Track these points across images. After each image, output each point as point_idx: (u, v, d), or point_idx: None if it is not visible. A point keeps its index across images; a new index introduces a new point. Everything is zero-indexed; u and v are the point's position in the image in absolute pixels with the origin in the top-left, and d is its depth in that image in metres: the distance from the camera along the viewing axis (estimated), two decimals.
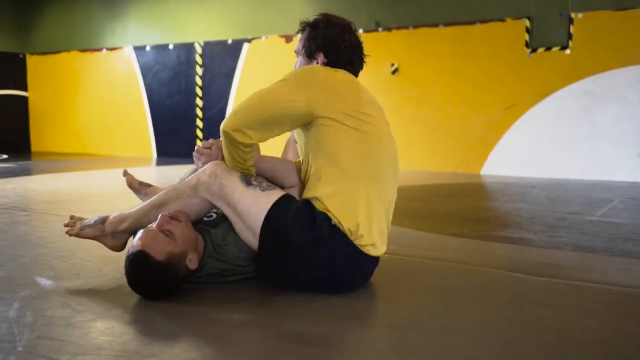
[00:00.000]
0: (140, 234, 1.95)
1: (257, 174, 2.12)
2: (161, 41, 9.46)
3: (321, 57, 2.18)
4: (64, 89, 10.50)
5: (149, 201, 2.16)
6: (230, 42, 8.84)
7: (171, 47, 9.36)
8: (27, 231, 3.20)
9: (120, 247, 2.23)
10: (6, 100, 10.60)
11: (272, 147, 2.87)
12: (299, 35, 2.26)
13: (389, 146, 2.10)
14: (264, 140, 2.04)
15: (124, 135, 9.90)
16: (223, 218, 2.13)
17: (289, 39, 8.11)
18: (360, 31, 7.67)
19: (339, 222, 1.98)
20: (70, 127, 10.51)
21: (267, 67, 8.36)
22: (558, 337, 1.72)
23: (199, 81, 9.18)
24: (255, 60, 8.62)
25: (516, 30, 6.89)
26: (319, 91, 2.00)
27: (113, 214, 2.23)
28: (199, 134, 9.21)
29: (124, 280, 2.18)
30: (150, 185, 2.52)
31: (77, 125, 10.42)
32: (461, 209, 4.33)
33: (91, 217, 2.27)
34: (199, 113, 9.19)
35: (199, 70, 9.15)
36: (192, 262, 1.98)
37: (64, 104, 10.53)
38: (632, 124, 6.35)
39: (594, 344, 1.68)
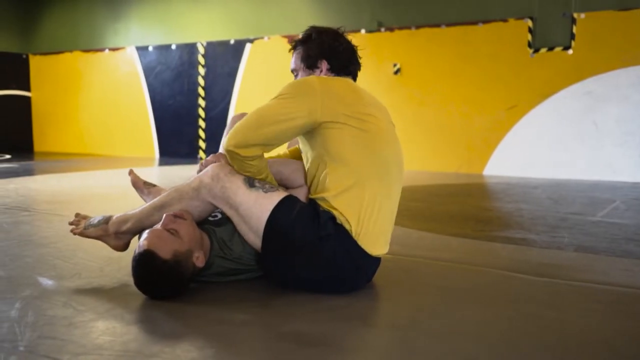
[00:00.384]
0: (145, 233, 1.95)
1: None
2: (163, 41, 9.47)
3: (324, 64, 2.23)
4: (66, 89, 10.51)
5: (151, 202, 2.17)
6: (232, 42, 8.84)
7: (173, 47, 9.37)
8: (29, 231, 3.20)
9: (123, 247, 2.24)
10: (9, 100, 10.62)
11: None
12: (293, 54, 2.32)
13: (393, 146, 2.12)
14: (268, 151, 2.07)
15: (126, 135, 9.91)
16: (227, 219, 2.13)
17: (291, 39, 8.02)
18: (362, 31, 7.68)
19: (345, 220, 1.99)
20: (72, 127, 10.53)
21: (269, 67, 8.37)
22: (559, 337, 1.72)
23: (201, 81, 9.18)
24: (257, 60, 8.62)
25: (518, 30, 6.89)
26: (318, 98, 2.00)
27: (116, 213, 2.23)
28: (201, 133, 9.21)
29: (125, 280, 2.19)
30: (154, 185, 2.53)
31: (80, 125, 10.44)
32: (462, 209, 4.33)
33: (95, 216, 2.27)
34: (201, 113, 9.19)
35: (201, 70, 9.16)
36: (199, 259, 1.98)
37: (66, 104, 10.55)
38: (634, 124, 6.34)
39: (595, 344, 1.68)
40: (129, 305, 1.92)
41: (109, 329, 1.70)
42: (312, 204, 2.06)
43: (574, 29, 6.59)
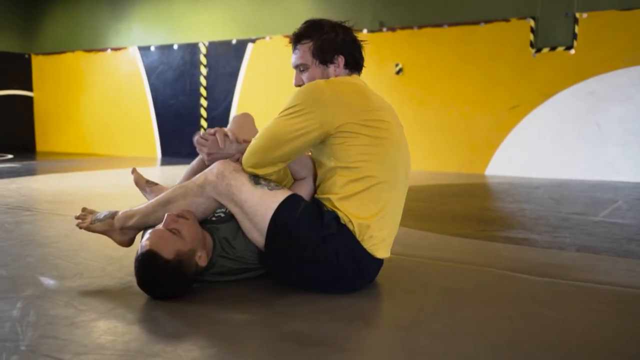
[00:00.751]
0: (147, 234, 1.95)
1: None
2: (165, 41, 9.48)
3: (340, 60, 2.14)
4: (68, 88, 10.53)
5: (156, 198, 2.17)
6: (234, 42, 8.85)
7: (175, 47, 9.38)
8: (31, 230, 3.21)
9: (128, 242, 2.24)
10: (11, 100, 10.63)
11: None
12: (297, 48, 2.16)
13: (402, 149, 2.10)
14: (283, 166, 2.07)
15: (128, 135, 9.92)
16: (230, 217, 2.13)
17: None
18: (364, 31, 7.67)
19: (349, 222, 1.98)
20: (74, 127, 10.54)
21: (271, 67, 8.37)
22: (560, 337, 1.71)
23: (203, 81, 9.19)
24: (259, 60, 8.62)
25: (520, 30, 6.88)
26: (330, 108, 1.96)
27: (122, 209, 2.24)
28: None
29: (127, 279, 2.19)
30: (156, 184, 2.53)
31: (82, 125, 10.45)
32: (464, 209, 4.33)
33: (101, 211, 2.28)
34: (203, 113, 9.20)
35: (203, 70, 9.16)
36: (201, 259, 1.98)
37: (68, 103, 10.56)
38: (636, 124, 6.33)
39: (596, 344, 1.68)
40: (131, 305, 1.92)
41: (110, 329, 1.70)
42: (317, 203, 2.06)
43: (576, 29, 6.58)
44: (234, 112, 8.87)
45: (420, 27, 7.46)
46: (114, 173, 6.65)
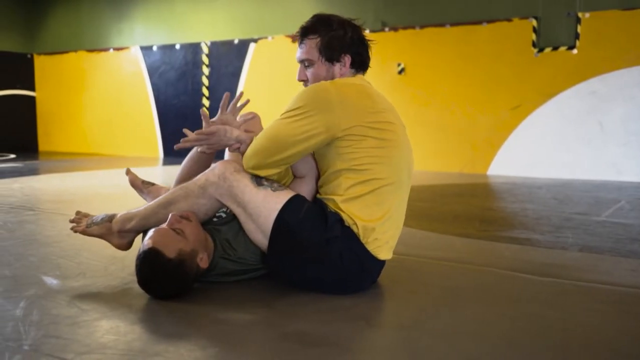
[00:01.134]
0: (150, 232, 1.95)
1: None
2: (168, 41, 9.48)
3: (347, 59, 2.10)
4: (71, 88, 10.54)
5: (156, 200, 2.14)
6: (236, 41, 8.85)
7: (177, 47, 9.38)
8: (33, 230, 3.21)
9: (126, 246, 2.22)
10: (14, 99, 10.65)
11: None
12: (303, 42, 2.12)
13: (406, 150, 2.08)
14: (285, 168, 2.05)
15: (131, 134, 9.93)
16: (232, 217, 2.13)
17: (295, 38, 8.08)
18: (367, 31, 7.64)
19: (354, 224, 1.97)
20: (77, 126, 10.55)
21: (273, 66, 8.37)
22: (562, 337, 1.71)
23: (205, 81, 9.19)
24: (261, 59, 8.62)
25: (523, 29, 6.87)
26: (336, 111, 1.92)
27: (120, 211, 2.23)
28: None
29: (129, 279, 2.19)
30: (152, 184, 2.51)
31: (84, 125, 10.46)
32: (467, 209, 4.33)
33: (98, 214, 2.26)
34: (206, 113, 9.18)
35: (205, 70, 9.17)
36: (203, 260, 1.98)
37: (71, 103, 10.57)
38: (639, 124, 6.32)
39: (598, 344, 1.67)
40: (133, 305, 1.92)
41: (112, 328, 1.70)
42: (320, 204, 2.04)
43: (579, 29, 6.57)
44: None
45: (422, 27, 7.45)
46: (116, 173, 6.66)
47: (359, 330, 1.75)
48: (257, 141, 2.00)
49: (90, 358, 1.49)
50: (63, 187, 5.24)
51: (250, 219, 2.00)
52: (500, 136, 7.05)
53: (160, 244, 1.89)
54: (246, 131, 2.12)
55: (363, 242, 1.99)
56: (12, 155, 9.17)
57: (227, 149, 2.19)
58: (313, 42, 2.10)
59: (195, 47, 9.22)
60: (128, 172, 2.52)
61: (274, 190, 1.99)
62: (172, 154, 9.49)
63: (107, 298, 1.99)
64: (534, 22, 6.80)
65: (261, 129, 2.33)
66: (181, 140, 2.10)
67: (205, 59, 9.15)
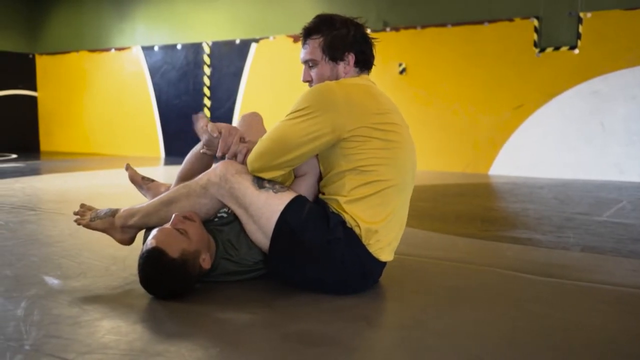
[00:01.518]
0: (154, 232, 1.95)
1: None
2: (169, 41, 9.49)
3: (351, 57, 2.09)
4: (72, 88, 10.55)
5: (158, 197, 2.15)
6: (237, 41, 8.85)
7: (179, 47, 9.39)
8: (35, 230, 3.21)
9: (128, 241, 2.23)
10: (15, 99, 10.66)
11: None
12: (307, 42, 2.12)
13: (410, 151, 2.07)
14: (290, 170, 2.04)
15: (132, 134, 9.94)
16: (234, 217, 2.13)
17: (296, 38, 8.10)
18: (368, 31, 7.65)
19: (356, 225, 1.96)
20: (78, 126, 10.56)
21: (275, 66, 8.37)
22: (564, 337, 1.71)
23: (206, 81, 9.20)
24: (262, 59, 8.63)
25: (524, 29, 6.87)
26: (342, 112, 1.91)
27: (123, 207, 2.23)
28: None
29: (130, 279, 2.19)
30: (152, 180, 2.51)
31: (86, 125, 10.47)
32: (469, 209, 4.32)
33: (101, 208, 2.26)
34: (207, 113, 9.20)
35: (207, 70, 9.17)
36: (205, 261, 1.98)
37: (72, 103, 10.58)
38: None
39: (600, 344, 1.67)
40: (134, 305, 1.92)
41: (114, 328, 1.70)
42: (321, 204, 2.03)
43: (580, 28, 6.56)
44: (237, 112, 8.88)
45: (423, 26, 7.45)
46: (118, 173, 6.66)
47: (360, 330, 1.74)
48: (262, 143, 1.99)
49: (92, 358, 1.49)
50: (65, 187, 5.24)
51: (252, 220, 2.00)
52: (502, 136, 7.04)
53: (164, 243, 1.89)
54: (249, 141, 2.10)
55: (365, 243, 1.98)
56: (14, 155, 9.18)
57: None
58: (316, 42, 2.09)
59: (196, 47, 9.23)
60: (128, 167, 2.52)
61: (275, 192, 1.99)
62: (173, 154, 9.50)
63: (109, 298, 1.99)
64: (536, 22, 6.80)
65: (263, 128, 2.32)
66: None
67: (206, 59, 9.16)
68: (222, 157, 2.17)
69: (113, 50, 10.04)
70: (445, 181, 6.21)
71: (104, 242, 2.72)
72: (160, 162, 8.63)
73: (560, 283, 2.28)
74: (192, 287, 2.02)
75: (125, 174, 2.59)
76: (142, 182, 2.49)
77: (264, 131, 2.24)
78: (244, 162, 2.05)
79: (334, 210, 2.00)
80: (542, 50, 6.78)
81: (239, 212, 2.02)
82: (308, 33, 2.12)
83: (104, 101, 10.21)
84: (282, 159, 1.96)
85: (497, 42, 7.01)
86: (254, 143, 2.05)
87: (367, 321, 1.83)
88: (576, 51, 6.60)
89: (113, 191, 5.00)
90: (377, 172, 1.97)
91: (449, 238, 3.19)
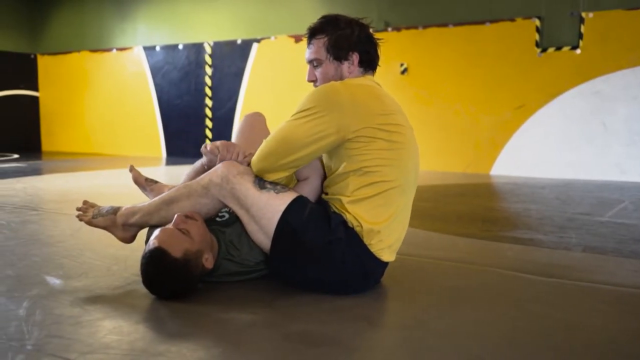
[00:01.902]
0: (156, 232, 1.95)
1: None
2: (170, 41, 9.49)
3: (355, 57, 2.09)
4: (74, 88, 10.56)
5: (159, 197, 2.16)
6: (239, 42, 8.86)
7: (180, 47, 9.39)
8: (36, 230, 3.22)
9: (130, 239, 2.24)
10: (17, 99, 10.67)
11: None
12: (312, 42, 2.13)
13: (414, 152, 2.08)
14: (294, 171, 2.04)
15: (134, 134, 9.95)
16: (235, 219, 2.13)
17: (298, 38, 8.11)
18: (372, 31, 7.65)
19: (358, 225, 1.96)
20: (80, 126, 10.57)
21: (276, 66, 8.37)
22: (565, 338, 1.71)
23: (208, 81, 9.20)
24: (264, 60, 8.63)
25: (526, 29, 6.86)
26: (347, 112, 1.91)
27: (125, 205, 2.24)
28: (208, 133, 9.23)
29: (132, 279, 2.20)
30: (156, 182, 2.52)
31: (87, 125, 10.48)
32: (470, 209, 4.32)
33: (104, 206, 2.27)
34: (208, 113, 9.21)
35: (208, 70, 9.18)
36: (208, 261, 1.98)
37: (74, 103, 10.59)
38: None
39: (601, 344, 1.67)
40: (136, 305, 1.92)
41: (115, 328, 1.71)
42: (323, 204, 2.04)
43: (582, 28, 6.56)
44: (239, 112, 8.88)
45: (425, 26, 7.45)
46: (119, 173, 6.67)
47: (361, 330, 1.75)
48: (267, 144, 1.99)
49: (93, 358, 1.50)
50: (66, 187, 5.25)
51: (253, 221, 2.00)
52: (504, 136, 7.04)
53: (166, 243, 1.89)
54: (250, 154, 2.11)
55: (366, 244, 1.98)
56: (16, 155, 9.19)
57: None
58: (321, 41, 2.10)
59: (198, 47, 9.23)
60: (132, 169, 2.53)
61: (277, 193, 1.99)
62: (174, 154, 9.51)
63: (110, 298, 1.99)
64: (537, 22, 6.79)
65: (266, 129, 2.33)
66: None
67: (208, 59, 9.16)
68: None
69: (114, 51, 10.05)
70: (447, 181, 6.21)
71: (106, 242, 2.72)
72: (161, 162, 8.64)
73: (560, 283, 2.28)
74: (195, 287, 2.02)
75: (127, 174, 2.60)
76: (145, 184, 2.50)
77: (267, 131, 2.24)
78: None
79: (336, 210, 2.00)
80: (544, 50, 6.77)
81: (241, 212, 2.02)
82: (313, 33, 2.13)
83: (105, 101, 10.22)
84: (287, 159, 1.96)
85: (499, 42, 7.01)
86: (253, 155, 2.06)
87: (368, 321, 1.83)
88: (578, 51, 6.59)
89: (114, 191, 5.00)
90: (381, 173, 1.96)
91: (449, 238, 3.19)
